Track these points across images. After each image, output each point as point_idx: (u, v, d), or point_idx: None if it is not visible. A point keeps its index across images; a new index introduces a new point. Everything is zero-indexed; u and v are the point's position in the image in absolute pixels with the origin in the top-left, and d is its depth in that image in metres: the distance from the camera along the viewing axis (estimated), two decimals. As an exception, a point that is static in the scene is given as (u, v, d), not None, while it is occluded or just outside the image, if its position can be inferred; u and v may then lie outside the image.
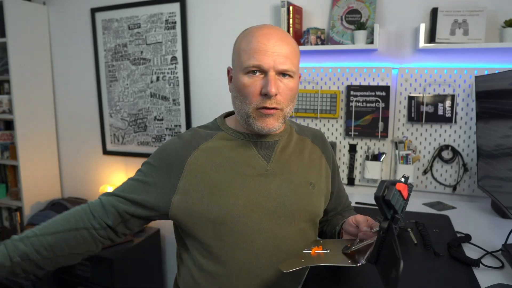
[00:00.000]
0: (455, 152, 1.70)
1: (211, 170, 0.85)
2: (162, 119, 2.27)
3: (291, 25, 1.77)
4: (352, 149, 1.85)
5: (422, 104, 1.71)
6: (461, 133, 1.69)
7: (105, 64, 2.36)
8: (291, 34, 1.77)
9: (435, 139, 1.73)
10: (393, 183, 0.67)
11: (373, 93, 1.77)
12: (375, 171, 1.79)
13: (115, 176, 2.47)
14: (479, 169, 1.53)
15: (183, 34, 2.12)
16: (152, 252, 2.28)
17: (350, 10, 1.76)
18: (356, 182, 1.87)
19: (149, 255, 2.25)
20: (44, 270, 0.82)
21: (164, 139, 2.29)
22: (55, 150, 2.61)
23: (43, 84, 2.48)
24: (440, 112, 1.69)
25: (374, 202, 1.70)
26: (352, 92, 1.81)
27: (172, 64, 2.19)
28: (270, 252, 0.85)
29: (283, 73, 0.82)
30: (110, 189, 2.34)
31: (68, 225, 0.82)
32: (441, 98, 1.69)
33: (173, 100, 2.22)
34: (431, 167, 1.75)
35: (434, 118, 1.70)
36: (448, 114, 1.69)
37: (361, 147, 1.85)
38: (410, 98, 1.73)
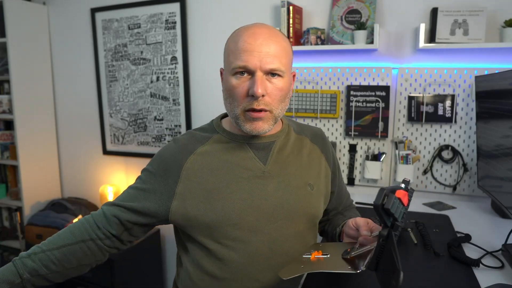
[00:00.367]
0: (455, 152, 1.71)
1: (208, 174, 0.85)
2: (162, 119, 2.27)
3: (291, 25, 1.77)
4: (352, 149, 1.85)
5: (422, 104, 1.71)
6: (461, 133, 1.69)
7: (105, 64, 2.36)
8: (291, 34, 1.77)
9: (435, 139, 1.73)
10: (393, 190, 0.66)
11: (373, 93, 1.77)
12: (375, 171, 1.79)
13: (115, 176, 2.47)
14: (479, 169, 1.53)
15: (183, 34, 2.12)
16: (152, 252, 2.28)
17: (350, 10, 1.76)
18: (356, 182, 1.87)
19: (149, 255, 2.25)
20: (53, 283, 0.83)
21: (164, 139, 2.29)
22: (55, 150, 2.61)
23: (43, 84, 2.48)
24: (440, 112, 1.69)
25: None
26: (352, 92, 1.81)
27: (172, 64, 2.19)
28: (267, 255, 0.84)
29: (271, 73, 0.80)
30: (110, 189, 2.34)
31: (74, 238, 0.83)
32: (441, 98, 1.69)
33: (173, 100, 2.22)
34: (431, 167, 1.75)
35: (434, 118, 1.70)
36: (448, 114, 1.69)
37: (361, 147, 1.85)
38: (410, 98, 1.73)
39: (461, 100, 1.67)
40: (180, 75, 2.18)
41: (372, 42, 1.69)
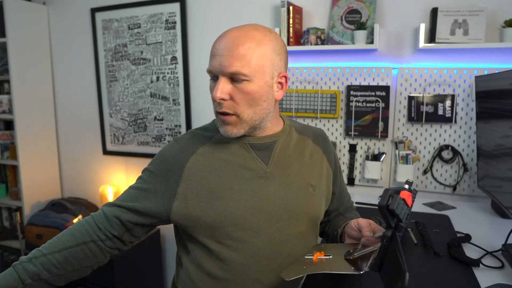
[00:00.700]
0: (455, 152, 1.71)
1: (210, 174, 0.85)
2: (162, 119, 2.27)
3: (291, 25, 1.77)
4: (352, 149, 1.85)
5: (422, 104, 1.71)
6: (461, 133, 1.69)
7: (105, 64, 2.36)
8: (291, 34, 1.77)
9: (435, 139, 1.73)
10: (397, 191, 0.66)
11: (373, 93, 1.77)
12: (375, 171, 1.79)
13: (115, 176, 2.47)
14: (479, 169, 1.53)
15: (183, 34, 2.12)
16: (152, 252, 2.28)
17: (350, 10, 1.76)
18: (356, 182, 1.87)
19: (149, 255, 2.25)
20: (56, 287, 0.83)
21: (164, 139, 2.29)
22: (55, 150, 2.61)
23: (43, 84, 2.48)
24: (440, 112, 1.69)
25: (374, 202, 1.70)
26: (352, 92, 1.81)
27: (172, 64, 2.19)
28: (269, 256, 0.84)
29: (237, 79, 0.78)
30: (110, 189, 2.34)
31: (75, 240, 0.82)
32: (441, 98, 1.69)
33: (173, 100, 2.22)
34: (431, 167, 1.75)
35: (434, 118, 1.70)
36: (448, 114, 1.69)
37: (361, 147, 1.85)
38: (410, 98, 1.73)
39: (461, 100, 1.67)
40: (180, 75, 2.18)
41: (372, 42, 1.69)
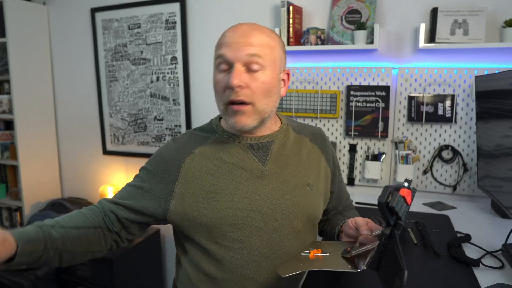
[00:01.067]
0: (455, 152, 1.70)
1: (206, 174, 0.85)
2: (162, 119, 2.27)
3: (291, 25, 1.77)
4: (352, 149, 1.85)
5: (422, 104, 1.71)
6: (461, 133, 1.69)
7: (105, 64, 2.36)
8: (291, 34, 1.77)
9: (435, 139, 1.73)
10: (397, 188, 0.66)
11: (373, 93, 1.77)
12: (375, 171, 1.79)
13: (115, 176, 2.47)
14: (479, 169, 1.53)
15: (183, 34, 2.12)
16: (152, 252, 2.28)
17: (350, 10, 1.76)
18: (356, 182, 1.87)
19: (149, 255, 2.25)
20: (55, 265, 0.79)
21: (164, 139, 2.29)
22: (55, 150, 2.61)
23: (43, 84, 2.48)
24: (440, 112, 1.69)
25: (374, 202, 1.70)
26: (352, 92, 1.81)
27: (172, 64, 2.19)
28: (266, 256, 0.84)
29: (252, 68, 0.79)
30: (110, 189, 2.34)
31: (88, 222, 0.82)
32: (441, 98, 1.69)
33: (173, 100, 2.22)
34: (431, 167, 1.75)
35: (434, 118, 1.70)
36: (448, 114, 1.69)
37: (361, 147, 1.85)
38: (410, 98, 1.73)
39: (461, 100, 1.67)
40: (180, 75, 2.18)
41: (372, 42, 1.69)
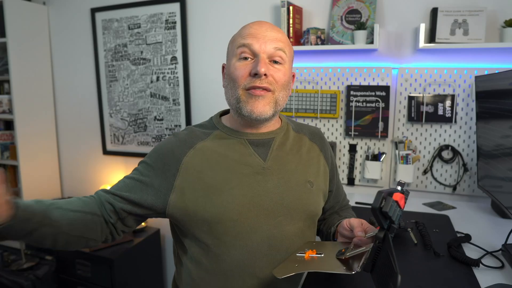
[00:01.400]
0: (455, 152, 1.70)
1: (207, 169, 0.85)
2: (162, 119, 2.27)
3: (291, 25, 1.77)
4: (352, 149, 1.85)
5: (422, 104, 1.71)
6: (461, 133, 1.69)
7: (105, 64, 2.36)
8: (291, 34, 1.78)
9: (435, 139, 1.73)
10: (390, 193, 0.67)
11: (373, 93, 1.77)
12: (375, 171, 1.79)
13: (115, 176, 2.47)
14: (479, 169, 1.53)
15: (183, 34, 2.12)
16: (152, 252, 2.28)
17: (350, 10, 1.76)
18: (356, 182, 1.87)
19: (149, 255, 2.25)
20: (48, 245, 0.77)
21: (164, 139, 2.29)
22: (55, 150, 2.61)
23: (43, 84, 2.48)
24: (440, 112, 1.69)
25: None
26: (352, 92, 1.80)
27: (172, 64, 2.19)
28: (266, 252, 0.84)
29: (274, 61, 0.84)
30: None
31: (87, 208, 0.81)
32: (441, 98, 1.69)
33: (173, 100, 2.22)
34: (431, 167, 1.75)
35: (434, 118, 1.70)
36: (448, 114, 1.69)
37: (361, 147, 1.85)
38: (410, 98, 1.73)
39: (461, 100, 1.67)
40: (180, 75, 2.18)
41: (372, 42, 1.69)
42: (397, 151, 1.75)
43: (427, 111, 1.71)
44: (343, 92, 1.84)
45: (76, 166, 2.60)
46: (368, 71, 1.79)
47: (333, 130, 1.88)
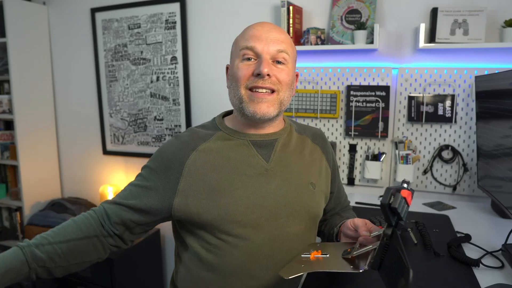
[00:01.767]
0: (455, 152, 1.70)
1: (210, 171, 0.85)
2: (162, 119, 2.27)
3: (291, 25, 1.77)
4: (352, 149, 1.85)
5: (422, 104, 1.71)
6: (461, 133, 1.69)
7: (105, 64, 2.36)
8: (291, 34, 1.77)
9: (435, 139, 1.73)
10: (398, 190, 0.68)
11: (373, 93, 1.77)
12: (375, 171, 1.79)
13: (115, 176, 2.47)
14: (479, 169, 1.53)
15: (183, 34, 2.12)
16: (152, 252, 2.28)
17: (350, 10, 1.76)
18: (356, 182, 1.87)
19: (149, 255, 2.25)
20: (53, 277, 0.81)
21: (164, 139, 2.29)
22: (55, 150, 2.61)
23: (43, 84, 2.48)
24: (440, 112, 1.69)
25: (374, 202, 1.70)
26: (352, 92, 1.80)
27: (172, 64, 2.19)
28: (268, 253, 0.84)
29: (277, 61, 0.84)
30: (110, 189, 2.34)
31: (80, 233, 0.81)
32: (441, 98, 1.69)
33: (173, 100, 2.22)
34: (431, 167, 1.75)
35: (434, 118, 1.70)
36: (448, 114, 1.69)
37: (361, 147, 1.85)
38: (410, 98, 1.73)
39: (461, 100, 1.67)
40: (180, 75, 2.18)
41: (372, 42, 1.69)
42: (397, 151, 1.75)
43: (427, 111, 1.71)
44: (343, 92, 1.84)
45: (76, 166, 2.60)
46: (368, 71, 1.78)
47: (333, 130, 1.88)
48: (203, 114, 2.18)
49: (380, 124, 1.77)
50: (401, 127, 1.78)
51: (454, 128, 1.70)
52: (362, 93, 1.79)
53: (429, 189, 1.76)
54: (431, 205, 1.62)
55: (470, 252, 1.10)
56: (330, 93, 1.85)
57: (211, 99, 2.15)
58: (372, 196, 1.76)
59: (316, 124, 1.90)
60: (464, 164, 1.69)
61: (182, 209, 0.84)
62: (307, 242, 0.91)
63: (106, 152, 2.47)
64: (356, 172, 1.87)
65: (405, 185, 0.69)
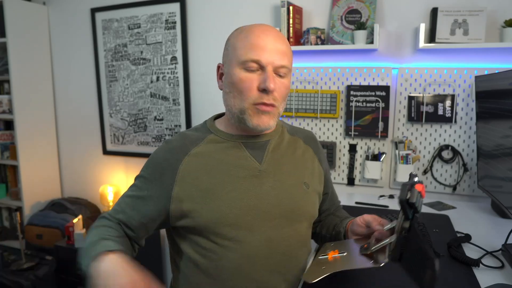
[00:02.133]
0: (455, 152, 1.70)
1: (203, 175, 0.84)
2: (162, 119, 2.27)
3: (291, 25, 1.77)
4: (352, 149, 1.85)
5: (422, 104, 1.71)
6: (461, 133, 1.69)
7: (105, 64, 2.36)
8: (291, 34, 1.78)
9: (435, 139, 1.73)
10: (412, 184, 0.69)
11: (373, 93, 1.77)
12: (375, 171, 1.79)
13: (115, 176, 2.47)
14: (479, 169, 1.53)
15: (183, 34, 2.12)
16: (152, 252, 2.28)
17: (350, 10, 1.76)
18: (356, 182, 1.87)
19: (149, 255, 2.25)
20: None
21: (164, 139, 2.29)
22: (55, 150, 2.61)
23: (43, 84, 2.48)
24: (440, 112, 1.69)
25: (374, 202, 1.70)
26: (352, 92, 1.80)
27: (172, 64, 2.19)
28: (264, 255, 0.84)
29: (281, 74, 0.84)
30: (110, 189, 2.34)
31: (117, 232, 0.83)
32: (441, 98, 1.69)
33: (173, 100, 2.22)
34: (431, 167, 1.75)
35: (434, 118, 1.70)
36: (448, 114, 1.69)
37: (361, 147, 1.85)
38: (410, 98, 1.73)
39: (461, 100, 1.67)
40: (180, 75, 2.18)
41: (372, 42, 1.69)
42: (397, 151, 1.75)
43: (427, 111, 1.71)
44: (343, 92, 1.84)
45: (76, 166, 2.60)
46: (368, 71, 1.78)
47: (333, 130, 1.88)
48: (203, 114, 2.18)
49: (380, 124, 1.77)
50: (401, 127, 1.78)
51: (454, 128, 1.70)
52: (362, 93, 1.79)
53: (429, 189, 1.76)
54: (431, 205, 1.62)
55: (470, 252, 1.10)
56: (330, 93, 1.85)
57: (211, 99, 2.15)
58: (372, 196, 1.76)
59: (316, 124, 1.91)
60: (464, 164, 1.69)
61: (177, 216, 0.84)
62: (303, 242, 0.91)
63: (106, 152, 2.47)
64: (356, 172, 1.87)
65: (416, 179, 0.71)
